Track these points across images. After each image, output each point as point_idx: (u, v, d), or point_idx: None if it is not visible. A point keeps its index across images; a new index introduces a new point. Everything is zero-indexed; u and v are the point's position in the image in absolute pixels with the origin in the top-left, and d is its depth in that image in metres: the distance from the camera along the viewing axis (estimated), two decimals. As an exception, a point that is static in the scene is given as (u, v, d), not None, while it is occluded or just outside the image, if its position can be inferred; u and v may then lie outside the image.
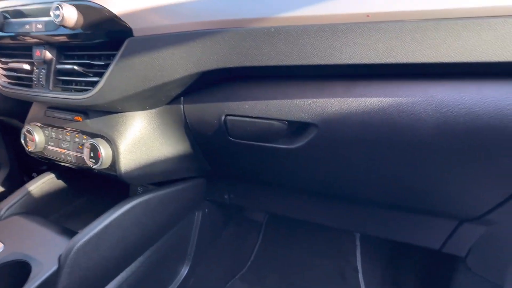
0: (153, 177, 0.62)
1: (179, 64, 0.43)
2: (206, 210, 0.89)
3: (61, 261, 0.48)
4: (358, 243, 1.04)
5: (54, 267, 0.48)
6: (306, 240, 1.11)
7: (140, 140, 0.56)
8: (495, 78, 0.34)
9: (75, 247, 0.49)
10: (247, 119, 0.48)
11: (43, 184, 0.70)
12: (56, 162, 0.65)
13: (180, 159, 0.64)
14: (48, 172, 0.72)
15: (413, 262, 0.90)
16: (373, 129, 0.41)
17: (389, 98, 0.38)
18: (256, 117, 0.47)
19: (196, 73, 0.43)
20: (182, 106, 0.53)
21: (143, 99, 0.50)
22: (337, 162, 0.48)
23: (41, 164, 0.78)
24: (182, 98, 0.53)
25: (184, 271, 0.83)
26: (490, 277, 0.62)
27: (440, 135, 0.38)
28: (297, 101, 0.44)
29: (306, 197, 0.72)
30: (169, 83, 0.45)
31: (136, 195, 0.62)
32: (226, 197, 0.84)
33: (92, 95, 0.47)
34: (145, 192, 0.65)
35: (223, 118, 0.50)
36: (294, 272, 1.05)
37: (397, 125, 0.39)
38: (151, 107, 0.54)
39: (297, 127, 0.48)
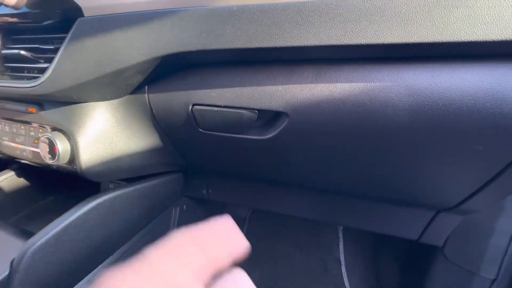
0: (120, 173, 0.58)
1: (135, 47, 0.39)
2: (184, 207, 0.86)
3: (13, 266, 0.44)
4: (341, 235, 1.04)
5: (5, 273, 0.44)
6: (290, 234, 1.10)
7: (102, 133, 0.51)
8: (468, 61, 0.33)
9: (30, 250, 0.45)
10: (216, 108, 0.45)
11: (0, 183, 0.64)
12: (15, 159, 0.60)
13: (150, 154, 0.60)
14: (8, 170, 0.67)
15: (394, 252, 0.91)
16: (345, 117, 0.38)
17: (361, 83, 0.36)
18: (225, 106, 0.44)
19: (155, 58, 0.40)
20: (147, 95, 0.49)
21: (101, 88, 0.46)
22: (310, 153, 0.46)
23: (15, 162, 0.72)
24: (146, 87, 0.49)
25: (161, 270, 0.79)
26: (466, 265, 0.62)
27: (413, 122, 0.36)
28: (266, 88, 0.41)
29: (286, 190, 0.70)
30: (126, 69, 0.41)
31: (102, 192, 0.58)
32: (204, 192, 0.81)
33: (41, 83, 0.42)
34: (114, 188, 0.61)
35: (190, 108, 0.47)
36: (278, 267, 1.04)
37: (370, 112, 0.37)
38: (112, 97, 0.50)
39: (268, 117, 0.45)
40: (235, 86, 0.42)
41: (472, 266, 0.61)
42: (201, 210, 0.96)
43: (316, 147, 0.44)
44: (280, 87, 0.40)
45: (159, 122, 0.52)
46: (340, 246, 1.01)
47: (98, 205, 0.55)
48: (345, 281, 0.97)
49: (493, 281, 0.60)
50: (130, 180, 0.65)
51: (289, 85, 0.39)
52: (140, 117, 0.53)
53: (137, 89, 0.49)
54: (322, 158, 0.47)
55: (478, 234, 0.59)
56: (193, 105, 0.46)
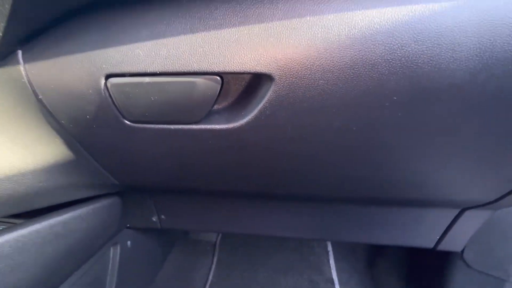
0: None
1: None
2: (129, 243, 0.63)
3: None
4: (330, 249, 0.89)
5: None
6: (270, 256, 0.92)
7: None
8: None
9: None
10: (147, 79, 0.26)
11: None
12: None
13: (50, 171, 0.37)
14: None
15: (393, 262, 0.78)
16: (373, 72, 0.23)
17: (393, 17, 0.21)
18: (163, 73, 0.25)
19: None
20: (22, 67, 0.28)
21: None
22: (309, 142, 0.29)
23: None
24: (20, 52, 0.28)
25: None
26: (493, 272, 0.51)
27: (483, 82, 0.22)
28: (232, 31, 0.23)
29: (261, 203, 0.52)
30: None
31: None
32: (154, 220, 0.59)
33: None
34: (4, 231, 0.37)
35: (102, 83, 0.27)
36: (260, 298, 0.85)
37: (414, 68, 0.22)
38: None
39: (239, 88, 0.28)
40: (178, 34, 0.24)
41: (500, 271, 0.50)
42: (153, 244, 0.73)
43: (317, 130, 0.28)
44: (256, 28, 0.23)
45: (56, 116, 0.31)
46: (331, 263, 0.86)
47: None
48: (340, 304, 0.81)
49: (525, 286, 0.50)
50: (30, 215, 0.41)
51: (273, 22, 0.22)
52: (18, 108, 0.31)
53: (3, 57, 0.28)
54: (327, 149, 0.30)
55: (503, 234, 0.48)
56: (107, 76, 0.27)
